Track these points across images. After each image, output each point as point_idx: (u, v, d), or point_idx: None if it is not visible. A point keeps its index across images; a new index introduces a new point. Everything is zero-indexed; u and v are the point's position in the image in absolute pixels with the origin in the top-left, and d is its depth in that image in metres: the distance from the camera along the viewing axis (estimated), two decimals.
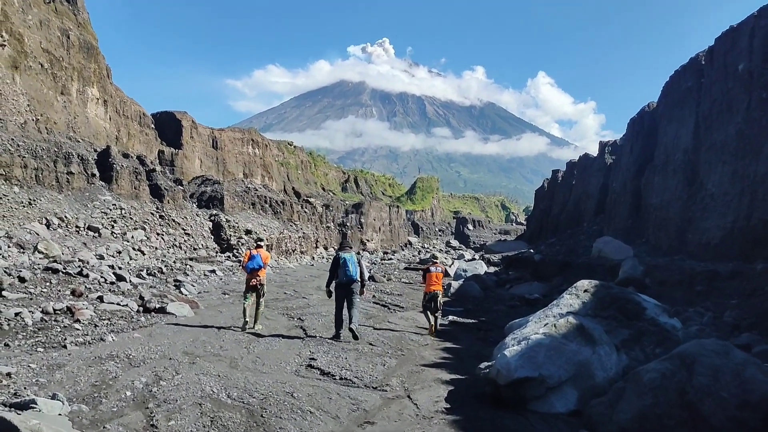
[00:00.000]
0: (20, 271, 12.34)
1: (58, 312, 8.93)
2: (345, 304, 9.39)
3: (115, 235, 26.09)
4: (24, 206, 22.67)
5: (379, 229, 66.97)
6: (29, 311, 8.58)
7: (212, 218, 35.80)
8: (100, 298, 10.52)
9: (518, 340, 6.22)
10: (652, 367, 4.92)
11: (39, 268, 13.62)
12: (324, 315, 11.66)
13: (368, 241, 63.80)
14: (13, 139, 24.02)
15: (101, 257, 22.14)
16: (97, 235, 24.82)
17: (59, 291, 11.59)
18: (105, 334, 7.89)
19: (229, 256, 31.56)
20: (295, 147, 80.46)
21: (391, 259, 49.11)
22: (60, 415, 4.46)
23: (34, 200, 23.44)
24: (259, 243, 10.97)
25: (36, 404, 4.29)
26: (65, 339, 7.39)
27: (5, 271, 12.17)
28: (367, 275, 9.73)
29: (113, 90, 42.42)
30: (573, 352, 5.78)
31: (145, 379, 5.92)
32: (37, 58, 32.15)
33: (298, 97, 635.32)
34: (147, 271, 19.01)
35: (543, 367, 5.64)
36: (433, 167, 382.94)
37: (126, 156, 31.49)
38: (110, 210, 27.33)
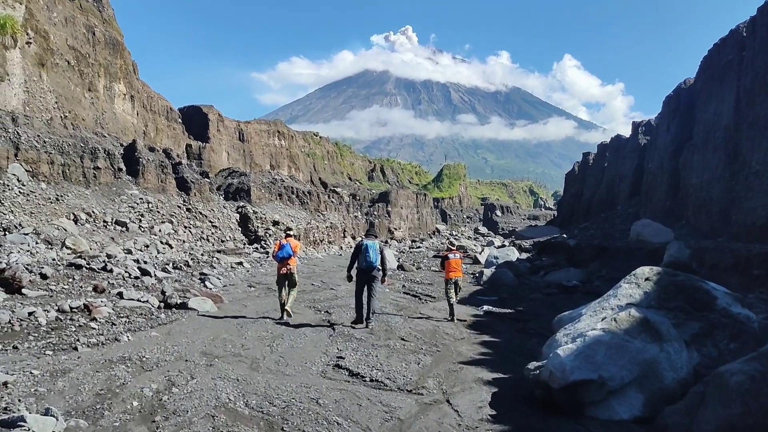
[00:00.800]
0: (42, 267, 12.08)
1: (75, 310, 8.57)
2: (366, 290, 9.42)
3: (142, 229, 26.02)
4: (51, 202, 22.67)
5: (407, 217, 66.27)
6: (44, 310, 8.21)
7: (239, 210, 35.65)
8: (120, 295, 10.15)
9: (572, 336, 5.51)
10: (738, 369, 4.17)
11: (62, 264, 13.38)
12: (353, 308, 11.10)
13: (396, 229, 63.20)
14: (39, 136, 24.03)
15: (129, 251, 22.02)
16: (124, 229, 24.76)
17: (81, 287, 11.28)
18: (121, 334, 7.44)
19: (257, 248, 31.35)
20: (320, 137, 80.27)
21: (419, 247, 48.44)
22: None
23: (62, 196, 23.45)
24: (288, 232, 11.06)
25: (25, 422, 3.77)
26: (78, 340, 6.96)
27: (27, 268, 11.91)
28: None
29: (140, 85, 42.58)
30: (637, 350, 5.05)
31: (155, 386, 5.40)
32: (63, 55, 32.24)
33: (322, 88, 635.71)
34: (173, 264, 18.76)
35: (603, 368, 4.92)
36: (459, 154, 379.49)
37: (152, 150, 31.43)
38: (137, 204, 27.27)
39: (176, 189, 31.15)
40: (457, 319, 10.69)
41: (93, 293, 11.00)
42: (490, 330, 9.84)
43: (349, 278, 9.73)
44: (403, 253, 40.18)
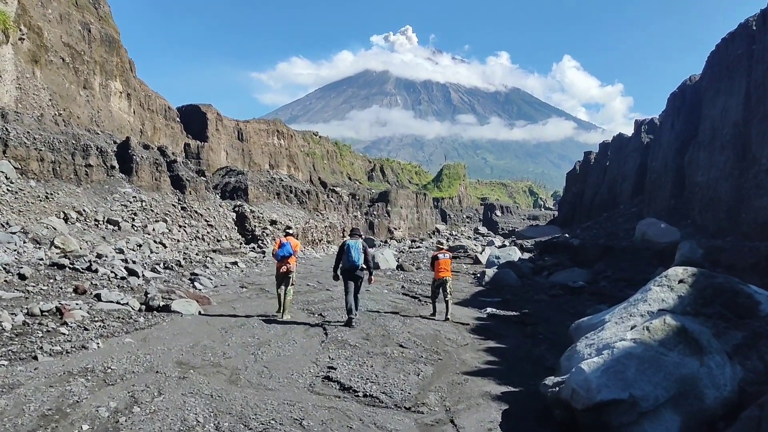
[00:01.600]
0: (21, 267, 11.42)
1: (46, 314, 7.89)
2: (352, 289, 9.49)
3: (135, 228, 25.37)
4: (41, 200, 22.01)
5: (407, 217, 65.64)
6: (11, 314, 7.53)
7: (236, 209, 35.00)
8: (98, 297, 9.47)
9: (597, 348, 4.83)
10: None
11: (44, 264, 12.71)
12: (356, 321, 10.46)
13: (395, 229, 62.58)
14: (29, 132, 23.36)
15: (120, 251, 21.37)
16: (116, 228, 24.09)
17: (61, 289, 10.62)
18: (90, 340, 6.76)
19: (253, 247, 30.72)
20: (320, 137, 79.72)
21: (419, 247, 47.81)
22: None
23: (52, 194, 22.78)
24: (288, 231, 11.09)
25: None
26: (40, 347, 6.27)
27: (4, 268, 11.26)
28: (372, 263, 9.76)
29: (137, 84, 41.95)
30: (674, 365, 4.36)
31: (114, 404, 4.70)
32: (58, 52, 31.64)
33: (322, 88, 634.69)
34: (164, 264, 18.10)
35: (634, 386, 4.25)
36: (459, 154, 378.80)
37: (146, 147, 30.75)
38: (130, 202, 26.61)
39: (171, 187, 30.48)
40: (459, 323, 10.05)
41: (73, 295, 10.35)
42: (495, 334, 9.15)
43: (336, 278, 9.74)
44: (403, 252, 39.51)
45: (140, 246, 23.62)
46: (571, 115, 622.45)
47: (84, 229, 22.52)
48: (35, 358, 5.88)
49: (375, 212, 60.39)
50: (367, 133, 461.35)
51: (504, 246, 41.72)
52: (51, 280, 11.40)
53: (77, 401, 4.69)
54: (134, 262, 16.62)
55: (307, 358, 6.69)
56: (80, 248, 19.82)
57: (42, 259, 15.37)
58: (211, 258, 22.47)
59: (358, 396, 5.45)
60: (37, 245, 18.59)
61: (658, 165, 32.91)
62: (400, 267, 23.84)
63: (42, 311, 7.88)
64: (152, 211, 27.36)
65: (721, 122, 23.52)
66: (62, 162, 24.28)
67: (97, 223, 23.66)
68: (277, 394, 5.33)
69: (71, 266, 12.95)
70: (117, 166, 27.49)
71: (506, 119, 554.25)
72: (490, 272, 19.75)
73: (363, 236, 10.64)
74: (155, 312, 9.08)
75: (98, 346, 6.59)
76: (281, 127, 65.73)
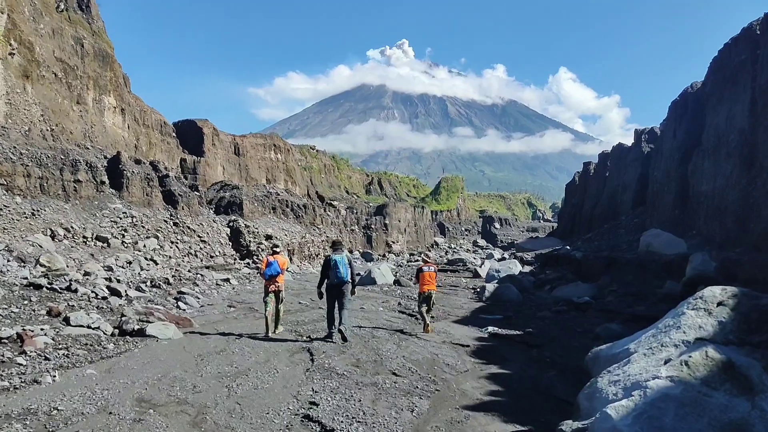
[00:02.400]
0: None
1: (5, 341, 7.17)
2: (336, 305, 9.35)
3: (125, 245, 24.67)
4: (26, 217, 21.31)
5: (405, 230, 64.98)
6: None
7: (231, 224, 34.32)
8: (66, 320, 8.73)
9: (624, 386, 4.12)
10: None
11: (18, 285, 11.98)
12: (350, 336, 9.73)
13: (394, 242, 61.90)
14: (15, 147, 22.74)
15: (109, 268, 20.69)
16: (105, 245, 23.39)
17: (33, 311, 9.89)
18: (44, 373, 6.03)
19: (248, 263, 30.01)
20: (317, 151, 79.35)
21: (417, 260, 47.07)
22: None
23: (38, 211, 22.09)
24: (275, 249, 10.85)
25: None
26: None
27: None
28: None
29: (132, 99, 41.39)
30: (720, 408, 3.64)
31: None
32: (50, 67, 31.08)
33: (319, 102, 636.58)
34: (151, 282, 17.38)
35: None
36: (456, 167, 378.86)
37: (138, 162, 30.13)
38: (120, 218, 25.93)
39: (163, 202, 29.81)
40: (459, 344, 9.33)
41: (46, 317, 9.63)
42: (498, 358, 8.42)
43: (320, 295, 9.58)
44: (401, 266, 38.77)
45: (130, 263, 22.93)
46: (568, 127, 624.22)
47: (71, 247, 21.81)
48: None
49: (373, 226, 59.72)
50: (365, 146, 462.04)
51: (504, 259, 41.07)
52: (25, 302, 10.69)
53: None
54: (119, 281, 15.91)
55: (287, 391, 5.95)
56: (67, 266, 19.11)
57: (26, 278, 14.69)
58: (202, 275, 21.76)
59: None
60: (22, 264, 17.90)
61: (660, 174, 32.33)
62: (397, 282, 23.10)
63: (0, 338, 7.17)
64: (143, 227, 26.67)
65: (726, 129, 22.95)
66: (50, 178, 23.63)
67: (85, 240, 22.96)
68: None
69: (49, 286, 12.23)
70: (107, 182, 26.85)
71: (503, 131, 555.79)
72: (491, 287, 19.05)
73: (346, 247, 10.30)
74: (128, 337, 8.35)
75: (53, 380, 5.86)
76: (278, 141, 65.25)
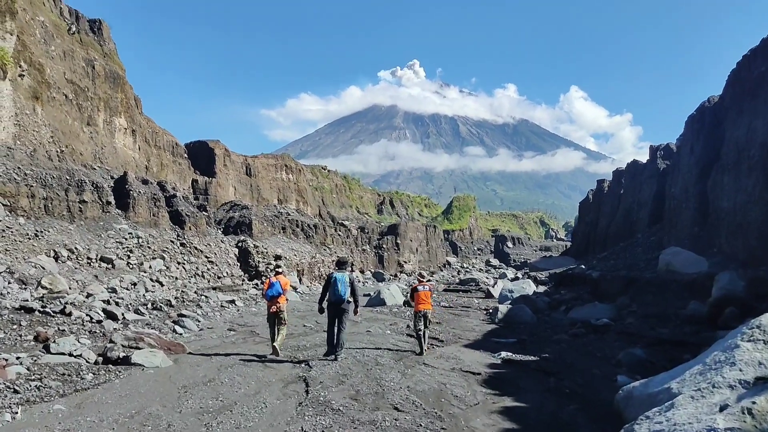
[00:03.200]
0: None
1: None
2: (335, 323, 9.39)
3: (131, 266, 24.30)
4: (29, 238, 21.01)
5: (416, 250, 64.19)
6: None
7: (239, 244, 33.91)
8: (46, 348, 8.20)
9: None
10: None
11: (9, 308, 11.50)
12: (342, 358, 9.07)
13: (405, 262, 61.09)
14: (19, 168, 22.55)
15: (113, 290, 20.31)
16: (110, 266, 23.03)
17: (20, 337, 9.39)
18: (4, 410, 5.43)
19: (256, 284, 29.50)
20: (329, 171, 79.21)
21: (429, 280, 46.29)
22: None
23: (42, 231, 21.80)
24: (277, 270, 11.00)
25: None
26: None
27: None
28: (358, 295, 9.71)
29: (143, 120, 41.50)
30: None
31: None
32: (61, 88, 31.17)
33: (331, 123, 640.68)
34: (153, 304, 16.87)
35: None
36: (468, 186, 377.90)
37: (145, 182, 29.92)
38: (126, 239, 25.59)
39: (170, 223, 29.50)
40: (469, 372, 8.64)
41: (33, 344, 9.13)
42: (512, 388, 7.70)
43: (321, 311, 9.79)
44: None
45: (135, 285, 22.55)
46: (580, 146, 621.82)
47: (75, 268, 21.46)
48: None
49: (384, 245, 59.01)
50: (376, 167, 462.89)
51: (517, 278, 40.20)
52: (13, 326, 10.20)
53: None
54: (117, 304, 15.41)
55: (275, 430, 5.33)
56: (70, 288, 18.74)
57: (26, 300, 14.29)
58: (206, 296, 21.25)
59: None
60: (23, 286, 17.56)
61: (677, 191, 31.46)
62: (407, 303, 22.41)
63: None
64: (149, 247, 26.31)
65: (747, 144, 22.19)
66: (54, 198, 23.38)
67: (89, 261, 22.61)
68: None
69: (41, 310, 11.74)
70: (113, 202, 26.60)
71: (515, 150, 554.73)
72: (504, 308, 18.31)
73: (351, 266, 9.92)
74: (111, 366, 7.78)
75: (13, 418, 5.28)
76: (289, 161, 65.16)
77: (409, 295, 11.74)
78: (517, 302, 20.72)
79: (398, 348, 10.93)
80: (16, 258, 19.92)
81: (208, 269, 28.93)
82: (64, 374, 7.03)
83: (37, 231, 21.56)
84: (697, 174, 28.51)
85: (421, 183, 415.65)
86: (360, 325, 14.54)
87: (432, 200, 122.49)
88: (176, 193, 31.60)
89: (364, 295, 26.40)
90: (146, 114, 42.89)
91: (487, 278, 43.56)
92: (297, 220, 43.77)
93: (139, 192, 27.93)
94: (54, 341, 9.23)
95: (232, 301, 21.31)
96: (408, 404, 6.44)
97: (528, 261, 71.56)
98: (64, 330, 10.45)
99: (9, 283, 17.58)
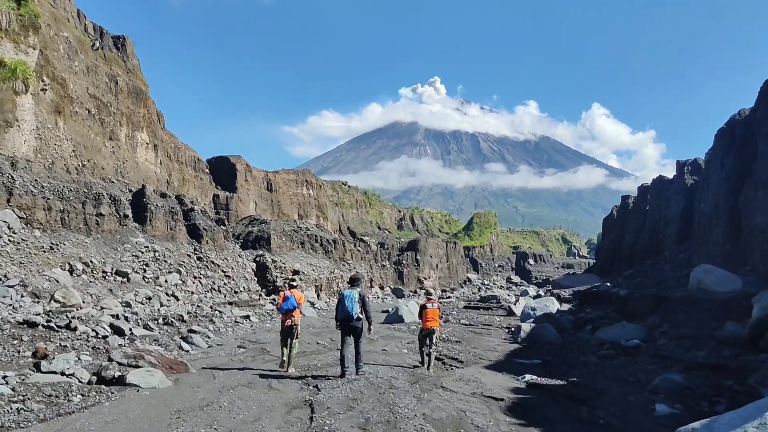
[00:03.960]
0: None
1: None
2: (349, 341, 9.21)
3: (146, 280, 24.03)
4: (45, 251, 20.86)
5: (437, 266, 63.34)
6: None
7: (257, 259, 33.60)
8: (37, 366, 7.74)
9: None
10: None
11: (11, 322, 11.14)
12: (354, 379, 8.45)
13: (425, 278, 60.27)
14: (36, 180, 22.52)
15: (128, 304, 20.04)
16: (125, 280, 22.78)
17: (18, 353, 8.99)
18: None
19: (273, 299, 29.08)
20: (349, 187, 79.13)
21: (449, 297, 45.52)
22: None
23: (57, 244, 21.65)
24: (291, 284, 10.98)
25: None
26: None
27: None
28: (371, 312, 9.36)
29: (165, 135, 41.75)
30: None
31: None
32: (83, 103, 31.43)
33: (352, 140, 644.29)
34: (164, 319, 16.47)
35: None
36: (489, 203, 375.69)
37: (163, 196, 29.84)
38: (142, 253, 25.39)
39: (187, 236, 29.29)
40: (491, 397, 7.96)
41: (30, 360, 8.71)
42: (539, 417, 7.00)
43: (337, 326, 9.55)
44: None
45: (150, 299, 22.25)
46: (602, 163, 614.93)
47: (90, 282, 21.23)
48: None
49: (404, 261, 58.31)
50: (396, 183, 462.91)
51: (539, 296, 39.18)
52: (14, 341, 9.82)
53: None
54: (126, 319, 15.04)
55: None
56: (83, 302, 18.49)
57: (38, 313, 14.02)
58: (220, 311, 20.84)
59: None
60: (36, 299, 17.33)
61: (707, 207, 30.29)
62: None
63: None
64: (165, 261, 26.07)
65: None
66: (71, 211, 23.29)
67: (104, 274, 22.40)
68: None
69: (45, 324, 11.36)
70: (130, 215, 26.48)
71: (536, 167, 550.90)
72: (526, 327, 17.52)
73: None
74: (104, 386, 7.26)
75: None
76: (310, 177, 65.17)
77: (418, 313, 11.68)
78: (541, 320, 19.90)
79: (413, 370, 10.28)
80: (30, 271, 19.75)
81: (224, 284, 28.60)
82: (50, 395, 6.54)
83: (52, 244, 21.42)
84: (728, 189, 27.39)
85: (442, 199, 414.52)
86: (376, 343, 13.94)
87: (452, 216, 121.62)
88: (194, 206, 31.44)
89: (382, 312, 25.75)
90: (169, 129, 43.15)
91: (508, 295, 42.64)
92: (316, 235, 43.43)
93: (157, 205, 27.80)
94: (52, 358, 8.81)
95: (247, 317, 20.88)
96: None
97: (550, 278, 70.20)
98: (65, 346, 10.04)
99: (22, 296, 17.36)
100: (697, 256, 30.26)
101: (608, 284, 34.01)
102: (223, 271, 29.64)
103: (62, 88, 29.34)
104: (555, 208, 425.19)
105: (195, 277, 27.22)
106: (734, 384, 8.93)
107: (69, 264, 21.31)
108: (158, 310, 20.80)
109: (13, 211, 20.67)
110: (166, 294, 23.88)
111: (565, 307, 29.17)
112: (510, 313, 27.73)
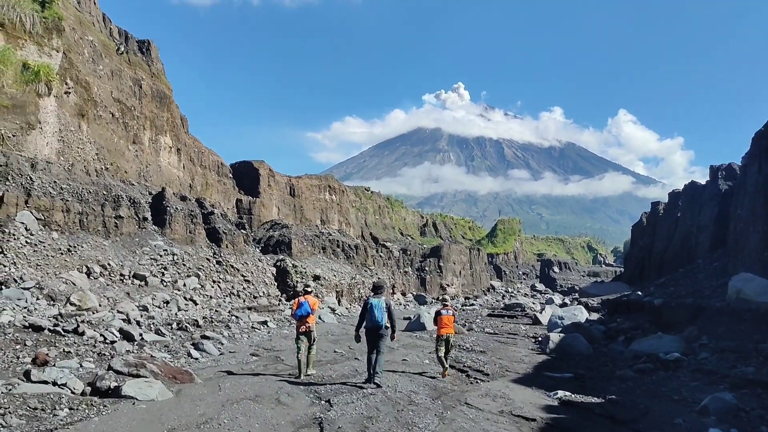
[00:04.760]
0: None
1: None
2: (374, 349, 9.17)
3: (165, 284, 23.71)
4: (62, 253, 20.62)
5: (460, 273, 62.30)
6: None
7: (278, 263, 33.18)
8: (27, 376, 7.20)
9: None
10: None
11: (15, 326, 10.72)
12: (370, 394, 7.75)
13: (448, 285, 59.28)
14: (55, 182, 22.37)
15: (144, 308, 19.71)
16: (143, 283, 22.47)
17: (17, 359, 8.52)
18: None
19: (291, 305, 28.58)
20: (372, 192, 78.62)
21: (473, 304, 44.58)
22: None
23: (75, 247, 21.41)
24: (306, 289, 11.09)
25: None
26: None
27: None
28: (395, 321, 9.34)
29: (189, 140, 41.78)
30: None
31: None
32: (107, 107, 31.49)
33: (375, 146, 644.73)
34: (178, 324, 16.00)
35: None
36: (513, 210, 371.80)
37: (183, 199, 29.61)
38: (161, 256, 25.09)
39: (206, 240, 28.97)
40: (522, 416, 7.20)
41: (29, 367, 8.23)
42: None
43: (357, 338, 9.53)
44: (456, 311, 36.37)
45: (167, 303, 21.90)
46: (628, 170, 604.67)
47: (107, 285, 20.93)
48: None
49: (427, 268, 57.46)
50: (420, 189, 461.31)
51: (565, 304, 38.03)
52: (17, 346, 9.38)
53: None
54: (139, 323, 14.59)
55: None
56: (99, 305, 18.19)
57: (54, 317, 13.69)
58: (237, 316, 20.35)
59: None
60: (51, 302, 17.04)
61: (744, 213, 28.91)
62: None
63: None
64: (184, 265, 25.73)
65: None
66: (90, 213, 23.08)
67: (122, 277, 22.10)
68: None
69: (52, 328, 10.91)
70: (150, 218, 26.24)
71: (561, 174, 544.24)
72: (555, 337, 16.62)
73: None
74: (98, 398, 6.69)
75: None
76: (333, 182, 64.86)
77: (433, 319, 11.88)
78: (569, 330, 18.95)
79: (436, 382, 9.55)
80: (47, 273, 19.50)
81: (244, 288, 28.18)
82: (35, 409, 5.98)
83: (70, 246, 21.20)
84: (766, 194, 26.08)
85: (465, 206, 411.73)
86: (396, 352, 13.24)
87: (476, 223, 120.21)
88: (214, 210, 31.14)
89: (404, 319, 25.05)
90: (192, 134, 43.16)
91: (533, 303, 41.56)
92: (338, 240, 42.93)
93: (177, 208, 27.55)
94: (53, 364, 8.32)
95: (264, 322, 20.35)
96: None
97: (576, 286, 68.58)
98: (69, 352, 9.57)
99: (37, 299, 17.09)
100: (733, 264, 28.89)
101: (639, 293, 32.74)
102: (242, 275, 29.24)
103: (86, 92, 29.35)
104: (580, 216, 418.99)
105: (214, 281, 26.85)
106: None
107: (86, 266, 21.06)
108: (175, 314, 20.41)
109: (31, 212, 20.49)
110: (184, 298, 23.51)
111: (594, 316, 28.07)
112: (536, 321, 26.77)
